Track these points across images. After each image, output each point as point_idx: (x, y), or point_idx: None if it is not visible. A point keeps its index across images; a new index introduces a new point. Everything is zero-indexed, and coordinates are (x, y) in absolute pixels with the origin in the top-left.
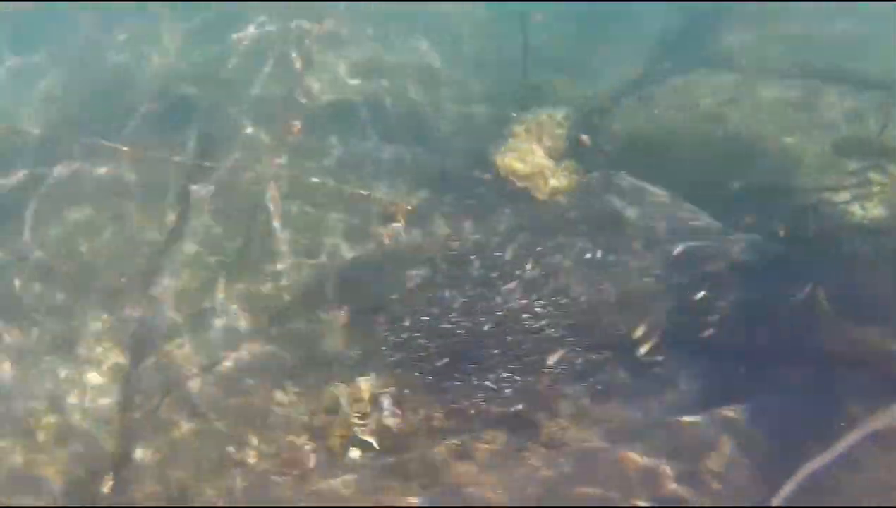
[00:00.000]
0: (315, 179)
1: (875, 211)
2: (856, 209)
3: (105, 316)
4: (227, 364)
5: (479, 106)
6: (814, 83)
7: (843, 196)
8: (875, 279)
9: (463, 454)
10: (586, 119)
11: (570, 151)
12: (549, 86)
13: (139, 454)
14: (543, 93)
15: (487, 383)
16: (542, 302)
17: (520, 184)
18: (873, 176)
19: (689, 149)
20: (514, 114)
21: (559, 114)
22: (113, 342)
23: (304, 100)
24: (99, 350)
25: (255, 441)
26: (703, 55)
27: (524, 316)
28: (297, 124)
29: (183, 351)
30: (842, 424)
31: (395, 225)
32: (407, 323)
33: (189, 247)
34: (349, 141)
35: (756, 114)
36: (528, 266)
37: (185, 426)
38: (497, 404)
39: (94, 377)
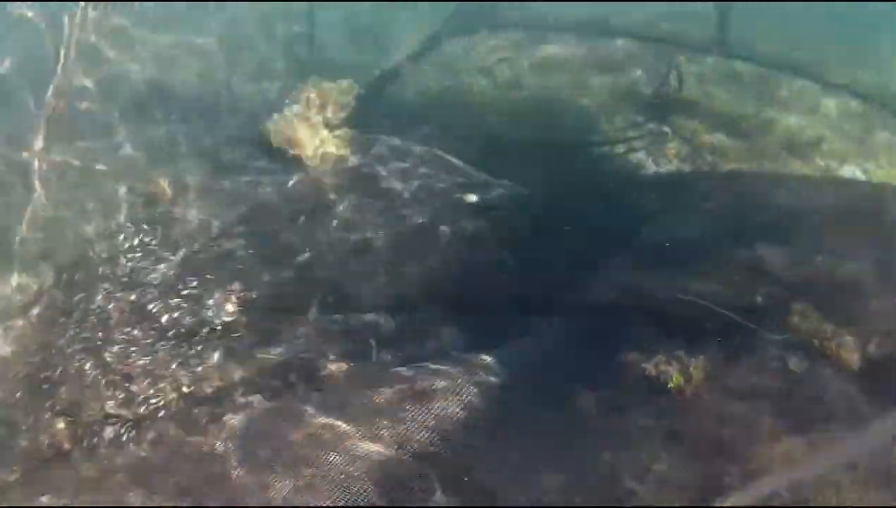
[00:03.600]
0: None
1: (669, 165)
2: (648, 163)
3: None
4: None
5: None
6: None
7: (636, 147)
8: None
9: None
10: (375, 85)
11: (354, 119)
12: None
13: None
14: (336, 64)
15: None
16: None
17: (293, 152)
18: (667, 130)
19: (486, 110)
20: (299, 86)
21: (344, 83)
22: None
23: None
24: None
25: None
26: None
27: None
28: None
29: None
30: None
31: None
32: None
33: None
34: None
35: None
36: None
37: None
38: None
39: None
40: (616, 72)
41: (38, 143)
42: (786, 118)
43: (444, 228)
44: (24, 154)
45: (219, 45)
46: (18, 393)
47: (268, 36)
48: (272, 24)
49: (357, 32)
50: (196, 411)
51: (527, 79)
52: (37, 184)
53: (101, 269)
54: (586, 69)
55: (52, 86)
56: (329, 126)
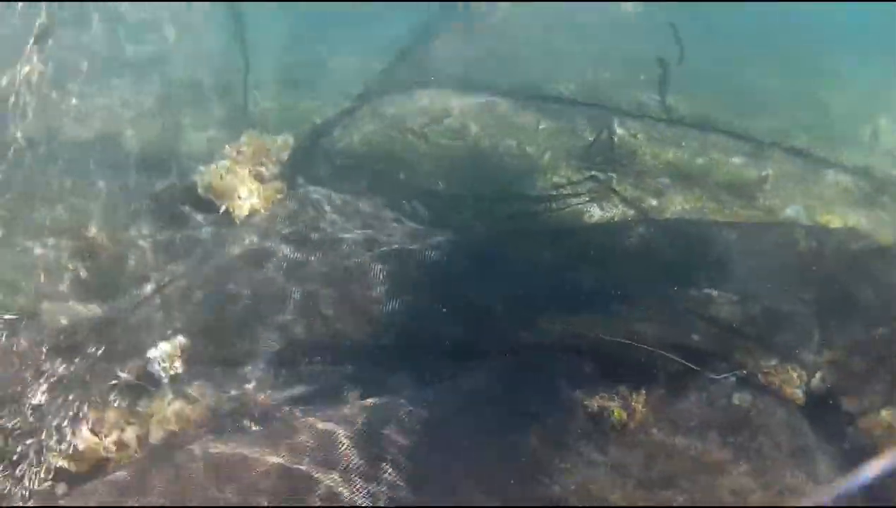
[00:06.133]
0: None
1: (615, 210)
2: (593, 208)
3: None
4: None
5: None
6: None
7: (581, 194)
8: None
9: None
10: (312, 136)
11: (288, 170)
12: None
13: None
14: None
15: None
16: None
17: (224, 204)
18: (612, 175)
19: (429, 161)
20: (227, 147)
21: (280, 138)
22: None
23: None
24: None
25: None
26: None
27: None
28: None
29: None
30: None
31: None
32: None
33: None
34: None
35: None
36: None
37: None
38: None
39: None
40: (559, 123)
41: None
42: (728, 160)
43: (383, 277)
44: None
45: (158, 94)
46: None
47: (203, 83)
48: (207, 70)
49: (293, 77)
50: None
51: (468, 134)
52: None
53: None
54: (526, 122)
55: None
56: (262, 179)
